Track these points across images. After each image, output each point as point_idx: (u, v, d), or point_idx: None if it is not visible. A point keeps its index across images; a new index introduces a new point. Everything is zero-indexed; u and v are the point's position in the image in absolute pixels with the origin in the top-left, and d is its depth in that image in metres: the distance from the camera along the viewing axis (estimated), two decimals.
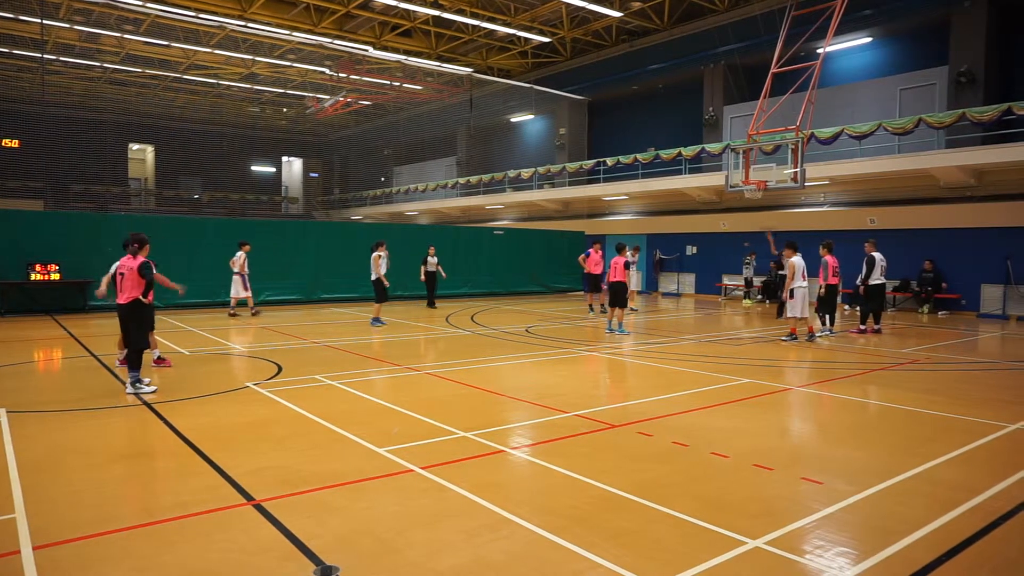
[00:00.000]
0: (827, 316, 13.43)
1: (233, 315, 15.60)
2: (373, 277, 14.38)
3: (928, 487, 4.72)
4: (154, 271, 7.67)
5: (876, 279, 13.49)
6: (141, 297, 7.53)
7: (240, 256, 15.51)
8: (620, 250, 13.14)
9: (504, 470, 5.11)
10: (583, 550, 3.64)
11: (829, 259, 12.96)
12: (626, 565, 3.47)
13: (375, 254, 14.37)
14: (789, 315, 12.40)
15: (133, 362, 7.45)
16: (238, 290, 15.55)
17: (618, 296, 12.95)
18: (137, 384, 7.37)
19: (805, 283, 12.23)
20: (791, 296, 12.22)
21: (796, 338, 12.40)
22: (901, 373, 9.32)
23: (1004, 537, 3.92)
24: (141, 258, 7.62)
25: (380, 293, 14.42)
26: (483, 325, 14.75)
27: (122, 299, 7.55)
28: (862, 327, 13.73)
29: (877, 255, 13.52)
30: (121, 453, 5.50)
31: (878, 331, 13.61)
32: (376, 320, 14.33)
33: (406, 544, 3.71)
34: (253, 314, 15.91)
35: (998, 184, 17.96)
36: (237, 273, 15.48)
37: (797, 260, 12.22)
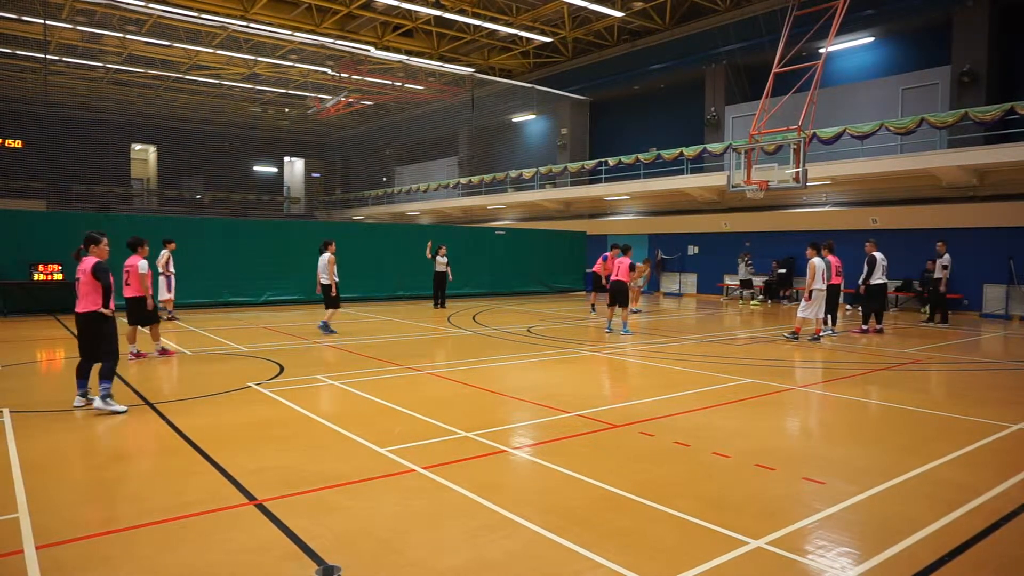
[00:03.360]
0: (828, 316, 13.41)
1: (171, 319, 14.30)
2: (325, 282, 12.49)
3: (930, 487, 4.71)
4: (109, 275, 6.62)
5: (878, 279, 13.50)
6: (103, 309, 6.52)
7: (164, 255, 14.10)
8: (625, 251, 13.15)
9: (505, 470, 5.11)
10: (584, 550, 3.63)
11: (831, 259, 12.93)
12: (627, 565, 3.47)
13: (329, 256, 12.52)
14: (800, 315, 12.41)
15: (107, 372, 6.55)
16: (163, 291, 14.07)
17: (620, 295, 12.96)
18: (107, 399, 6.45)
19: (823, 285, 12.20)
20: (809, 297, 12.16)
21: (798, 337, 12.41)
22: (903, 373, 9.30)
23: (1007, 537, 3.91)
24: (94, 259, 6.60)
25: (334, 298, 12.64)
26: (485, 325, 14.75)
27: (79, 307, 6.54)
28: (864, 327, 13.75)
29: (878, 255, 13.53)
30: (123, 453, 5.51)
31: (880, 331, 13.60)
32: (326, 326, 12.62)
33: (407, 544, 3.71)
34: (168, 318, 14.16)
35: (1000, 184, 17.93)
36: (161, 273, 14.06)
37: (817, 261, 12.16)
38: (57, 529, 3.84)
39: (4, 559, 3.48)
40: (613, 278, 13.08)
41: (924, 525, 3.99)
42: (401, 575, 3.38)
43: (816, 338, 12.38)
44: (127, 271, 9.29)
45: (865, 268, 13.59)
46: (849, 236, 20.58)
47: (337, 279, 12.68)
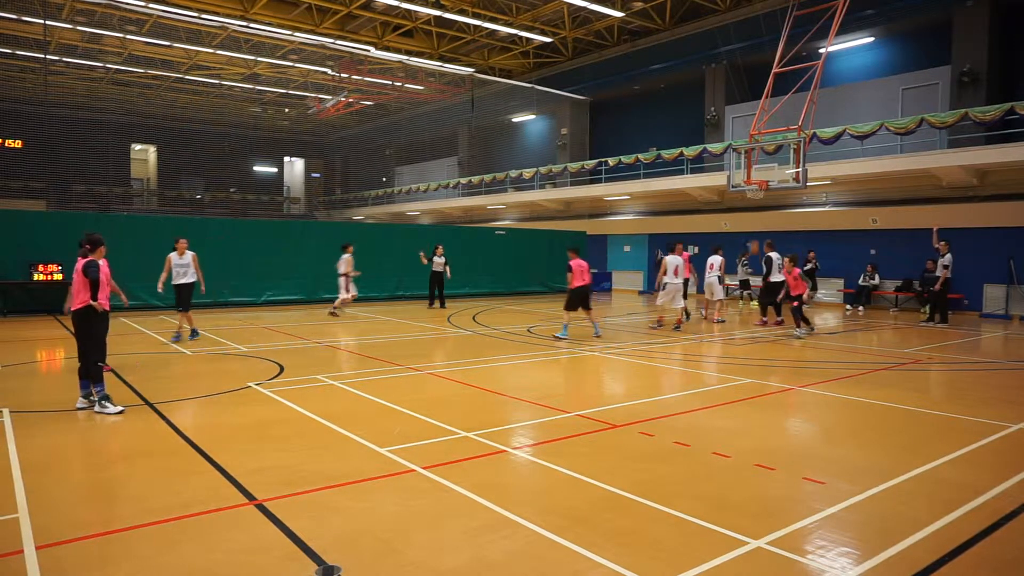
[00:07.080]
0: (774, 308, 14.60)
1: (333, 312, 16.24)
2: (192, 280, 11.50)
3: (931, 487, 4.71)
4: (99, 271, 6.67)
5: (775, 277, 14.40)
6: (92, 302, 6.58)
7: (347, 259, 16.06)
8: (577, 251, 12.86)
9: (505, 470, 5.11)
10: (584, 550, 3.63)
11: (772, 255, 14.33)
12: (627, 565, 3.47)
13: (193, 253, 11.72)
14: (659, 302, 13.82)
15: (95, 375, 6.59)
16: (342, 291, 16.21)
17: (583, 299, 12.36)
18: (104, 403, 6.52)
19: (678, 279, 13.51)
20: (662, 288, 13.63)
21: (662, 324, 14.20)
22: (903, 373, 9.30)
23: (1007, 537, 3.91)
24: (89, 258, 6.76)
25: (189, 298, 11.60)
26: (485, 325, 14.75)
27: (73, 305, 6.66)
28: (764, 319, 14.98)
29: (774, 255, 14.51)
30: (123, 453, 5.51)
31: (780, 322, 14.73)
32: (195, 332, 11.80)
33: (407, 544, 3.71)
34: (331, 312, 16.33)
35: (1001, 184, 17.93)
36: (343, 274, 16.12)
37: (670, 259, 13.50)
38: (57, 529, 3.83)
39: (4, 559, 3.48)
40: (579, 283, 12.27)
41: (924, 525, 3.99)
42: (401, 575, 3.38)
43: (677, 327, 13.74)
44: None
45: (764, 267, 14.58)
46: (849, 236, 20.60)
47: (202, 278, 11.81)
